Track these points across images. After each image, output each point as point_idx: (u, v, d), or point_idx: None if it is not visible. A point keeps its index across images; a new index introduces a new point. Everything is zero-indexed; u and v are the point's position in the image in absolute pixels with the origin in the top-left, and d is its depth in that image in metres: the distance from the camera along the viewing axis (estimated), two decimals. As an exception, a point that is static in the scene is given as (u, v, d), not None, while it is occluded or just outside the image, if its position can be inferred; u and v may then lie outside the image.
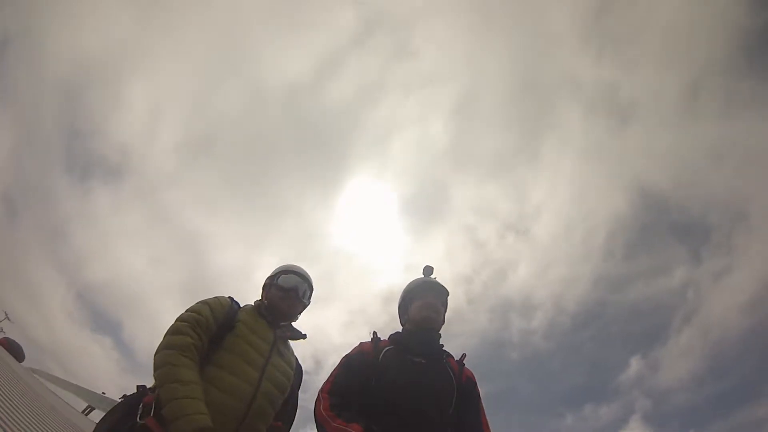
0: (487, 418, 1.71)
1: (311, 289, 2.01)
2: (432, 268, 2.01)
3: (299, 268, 2.01)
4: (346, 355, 1.76)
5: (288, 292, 1.90)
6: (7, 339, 17.75)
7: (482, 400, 1.75)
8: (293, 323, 1.94)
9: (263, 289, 1.99)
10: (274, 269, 2.02)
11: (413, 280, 2.00)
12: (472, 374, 1.79)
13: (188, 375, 1.42)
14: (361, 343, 1.81)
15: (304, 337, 1.92)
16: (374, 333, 1.81)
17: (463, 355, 1.83)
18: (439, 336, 1.86)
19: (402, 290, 2.02)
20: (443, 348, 1.82)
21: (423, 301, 1.86)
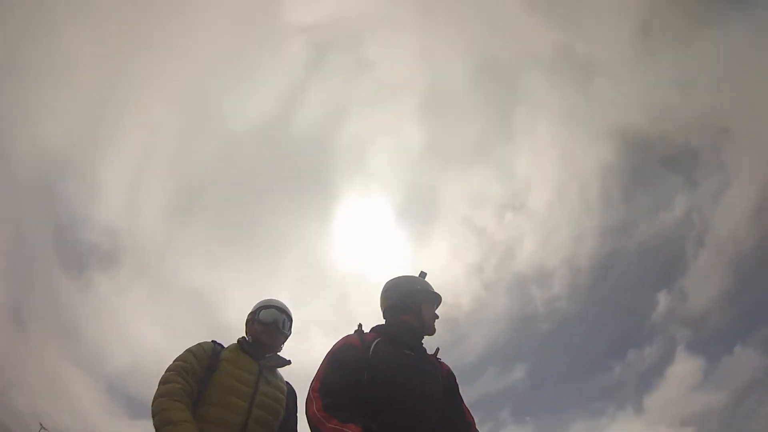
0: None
1: (290, 319, 2.19)
2: (426, 273, 2.03)
3: (277, 301, 2.19)
4: (331, 350, 1.71)
5: (268, 326, 2.07)
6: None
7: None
8: (279, 353, 2.13)
9: (246, 325, 2.16)
10: (254, 305, 2.19)
11: (419, 280, 1.98)
12: (449, 368, 1.88)
13: (179, 416, 1.62)
14: (346, 336, 1.76)
15: (288, 363, 2.11)
16: (360, 325, 1.80)
17: (437, 350, 1.87)
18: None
19: (396, 281, 1.98)
20: (422, 345, 1.87)
21: (433, 311, 1.90)
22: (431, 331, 1.85)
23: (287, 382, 2.14)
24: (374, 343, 1.70)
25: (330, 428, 1.40)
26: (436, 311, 1.91)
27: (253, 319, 2.13)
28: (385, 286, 1.99)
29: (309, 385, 1.61)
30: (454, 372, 1.89)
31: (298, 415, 2.02)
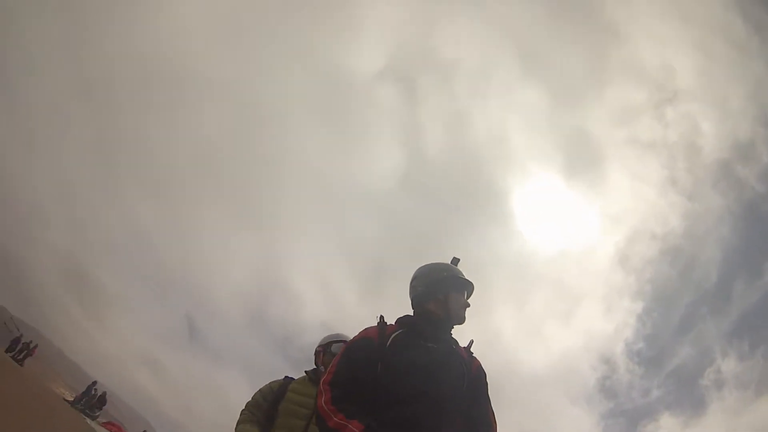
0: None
1: None
2: (458, 260, 1.91)
3: (344, 335, 2.43)
4: (347, 343, 1.68)
5: None
6: None
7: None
8: None
9: (316, 355, 2.45)
10: (322, 339, 2.48)
11: (447, 266, 1.83)
12: (480, 363, 1.71)
13: (248, 428, 2.18)
14: (365, 328, 1.66)
15: None
16: (381, 317, 1.70)
17: (471, 342, 1.74)
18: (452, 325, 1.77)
19: (423, 270, 1.83)
20: (452, 336, 1.73)
21: (462, 299, 1.75)
22: (460, 321, 1.72)
23: None
24: (393, 335, 1.61)
25: (335, 422, 1.36)
26: (468, 299, 1.78)
27: (324, 351, 2.39)
28: (413, 275, 1.86)
29: None
30: (485, 370, 1.73)
31: None
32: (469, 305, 1.77)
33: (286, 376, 2.38)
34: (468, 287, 1.80)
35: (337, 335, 2.46)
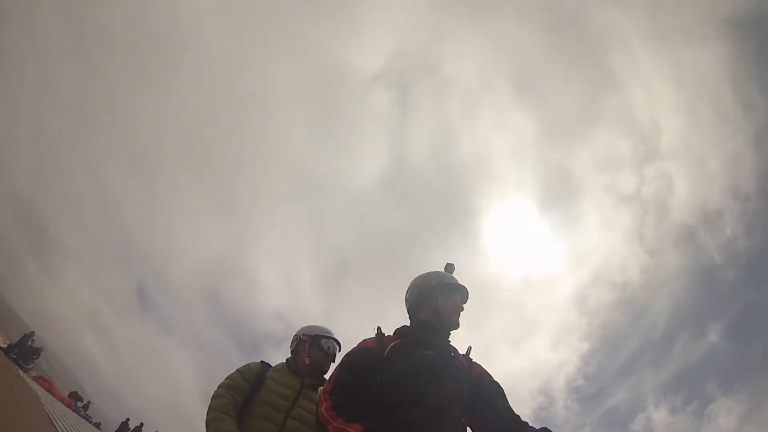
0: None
1: (340, 348, 2.35)
2: (454, 266, 1.92)
3: (331, 331, 2.36)
4: (347, 354, 1.68)
5: (329, 357, 2.27)
6: None
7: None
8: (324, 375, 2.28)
9: (297, 343, 2.32)
10: (309, 328, 2.35)
11: (437, 274, 1.86)
12: (482, 368, 1.71)
13: (225, 426, 1.89)
14: (364, 340, 1.70)
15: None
16: (378, 328, 1.73)
17: (469, 349, 1.75)
18: (450, 332, 1.79)
19: (415, 280, 1.88)
20: (450, 343, 1.75)
21: (454, 303, 1.77)
22: (453, 325, 1.74)
23: None
24: (391, 345, 1.65)
25: (335, 427, 1.39)
26: (464, 304, 1.80)
27: (312, 344, 2.26)
28: (408, 286, 1.90)
29: None
30: (486, 370, 1.71)
31: None
32: (462, 309, 1.78)
33: (262, 361, 2.26)
34: (460, 291, 1.82)
35: (325, 330, 2.35)
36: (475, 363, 1.71)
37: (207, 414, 1.95)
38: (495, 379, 1.69)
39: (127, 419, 18.00)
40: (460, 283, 1.85)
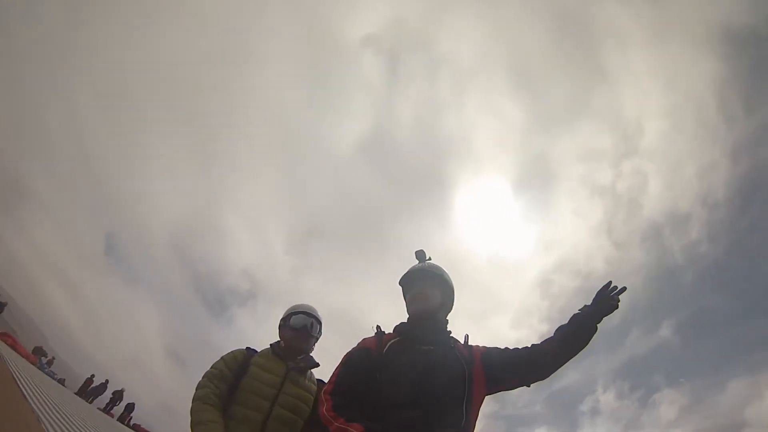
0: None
1: (320, 323, 2.29)
2: (423, 252, 1.92)
3: (306, 306, 2.30)
4: (347, 353, 1.69)
5: (299, 332, 2.19)
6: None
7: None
8: (311, 354, 2.24)
9: (279, 329, 2.27)
10: (285, 311, 2.30)
11: (407, 271, 1.88)
12: (480, 347, 1.71)
13: (207, 416, 1.84)
14: (363, 339, 1.72)
15: (317, 365, 2.20)
16: (378, 327, 1.75)
17: (467, 337, 1.74)
18: (446, 322, 1.80)
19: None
20: (450, 335, 1.74)
21: (410, 295, 1.81)
22: (416, 315, 1.74)
23: (320, 381, 2.21)
24: (389, 343, 1.66)
25: (336, 427, 1.41)
26: (432, 285, 1.78)
27: (284, 325, 2.23)
28: None
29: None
30: (486, 345, 1.72)
31: None
32: (421, 293, 1.76)
33: (248, 348, 2.18)
34: (416, 278, 1.82)
35: (296, 307, 2.29)
36: (475, 347, 1.70)
37: (191, 405, 1.92)
38: (497, 347, 1.70)
39: (92, 376, 18.53)
40: (423, 268, 1.84)
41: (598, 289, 1.59)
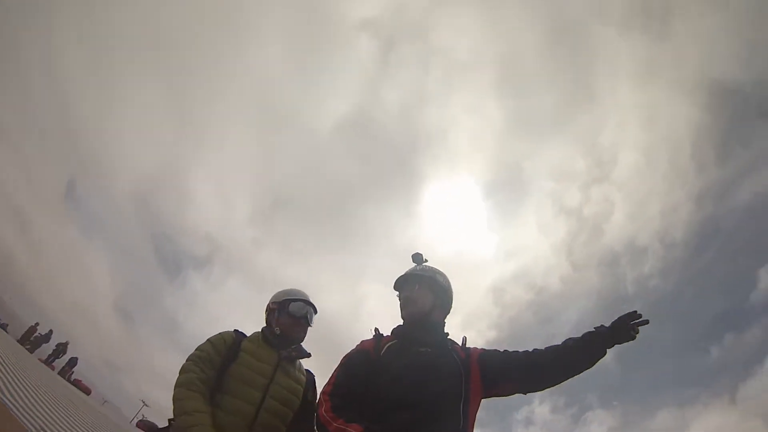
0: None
1: (315, 312, 2.15)
2: (420, 255, 1.90)
3: (302, 293, 2.13)
4: (346, 355, 1.70)
5: (299, 320, 2.05)
6: (143, 422, 19.72)
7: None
8: (302, 344, 2.09)
9: (268, 313, 2.09)
10: (277, 295, 2.12)
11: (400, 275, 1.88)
12: (478, 349, 1.71)
13: (193, 405, 1.66)
14: (362, 341, 1.74)
15: (308, 355, 2.07)
16: (376, 329, 1.75)
17: (464, 339, 1.75)
18: (443, 323, 1.80)
19: None
20: (448, 336, 1.76)
21: (400, 300, 1.82)
22: (407, 317, 1.75)
23: (308, 371, 2.10)
24: (387, 345, 1.67)
25: (335, 427, 1.41)
26: (422, 286, 1.78)
27: (281, 310, 2.05)
28: None
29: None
30: (491, 347, 1.72)
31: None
32: (409, 297, 1.77)
33: (236, 330, 2.01)
34: (403, 282, 1.83)
35: (293, 292, 2.12)
36: (473, 349, 1.70)
37: (174, 390, 1.73)
38: (495, 349, 1.70)
39: (36, 324, 17.95)
40: (412, 272, 1.85)
41: (621, 314, 1.51)
